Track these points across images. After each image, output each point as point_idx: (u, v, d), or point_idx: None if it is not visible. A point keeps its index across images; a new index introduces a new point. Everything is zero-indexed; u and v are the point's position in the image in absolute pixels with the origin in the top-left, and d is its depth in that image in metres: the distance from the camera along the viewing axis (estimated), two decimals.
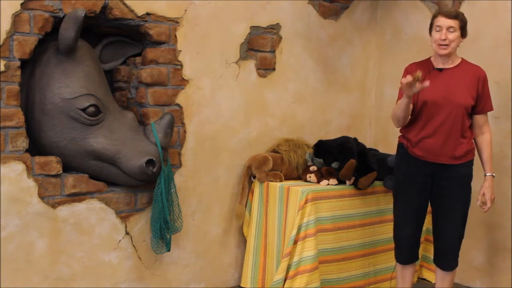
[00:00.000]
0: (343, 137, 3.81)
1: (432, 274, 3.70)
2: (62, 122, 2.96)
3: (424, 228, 3.34)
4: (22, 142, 2.90)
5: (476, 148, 3.11)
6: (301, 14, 3.96)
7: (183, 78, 3.44)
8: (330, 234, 3.46)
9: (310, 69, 4.05)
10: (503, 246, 3.67)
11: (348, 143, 3.65)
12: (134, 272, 3.30)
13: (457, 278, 3.64)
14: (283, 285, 3.31)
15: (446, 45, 2.97)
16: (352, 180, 3.58)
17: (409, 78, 2.80)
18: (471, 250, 3.75)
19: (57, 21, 2.98)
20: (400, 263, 3.25)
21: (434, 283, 3.29)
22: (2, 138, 2.84)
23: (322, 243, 3.40)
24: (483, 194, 3.07)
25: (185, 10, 3.41)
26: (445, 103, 2.98)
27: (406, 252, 3.21)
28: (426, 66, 3.10)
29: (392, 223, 3.26)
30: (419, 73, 2.81)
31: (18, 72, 2.88)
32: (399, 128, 3.20)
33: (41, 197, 2.96)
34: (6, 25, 2.83)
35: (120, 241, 3.24)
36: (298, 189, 3.40)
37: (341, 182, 3.59)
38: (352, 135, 3.91)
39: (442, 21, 2.96)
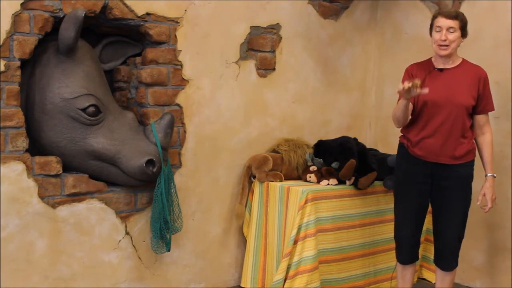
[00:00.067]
0: (343, 137, 3.80)
1: (432, 274, 3.70)
2: (62, 122, 2.96)
3: (424, 228, 3.34)
4: (22, 142, 2.90)
5: (477, 148, 3.11)
6: (301, 14, 3.95)
7: (183, 78, 3.44)
8: (330, 234, 3.46)
9: (310, 69, 4.05)
10: (503, 246, 3.66)
11: (348, 143, 3.65)
12: (134, 272, 3.30)
13: (457, 278, 3.64)
14: (283, 285, 3.31)
15: (446, 45, 2.96)
16: (352, 180, 3.58)
17: (406, 85, 2.80)
18: (471, 250, 3.75)
19: (57, 21, 2.97)
20: (401, 263, 3.25)
21: (434, 283, 3.29)
22: (2, 138, 2.84)
23: (322, 243, 3.40)
24: (484, 195, 3.07)
25: (185, 10, 3.41)
26: (445, 103, 2.98)
27: (406, 252, 3.21)
28: (426, 66, 3.10)
29: (392, 223, 3.27)
30: (417, 82, 2.80)
31: (18, 72, 2.88)
32: (400, 128, 3.20)
33: (41, 197, 2.96)
34: (6, 25, 2.83)
35: (120, 241, 3.24)
36: (298, 189, 3.40)
37: (341, 182, 3.59)
38: (352, 135, 3.91)
39: (442, 22, 2.96)
